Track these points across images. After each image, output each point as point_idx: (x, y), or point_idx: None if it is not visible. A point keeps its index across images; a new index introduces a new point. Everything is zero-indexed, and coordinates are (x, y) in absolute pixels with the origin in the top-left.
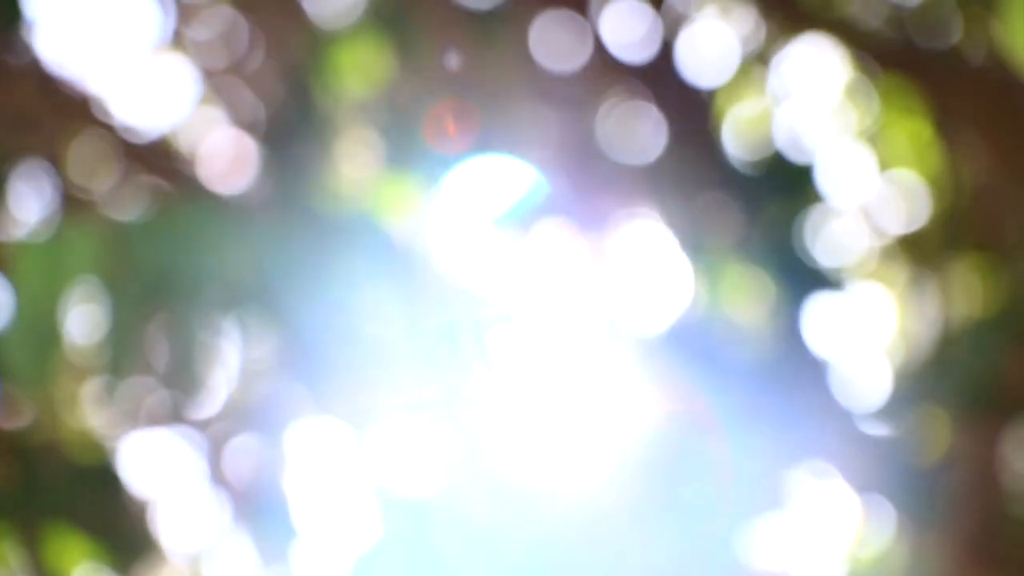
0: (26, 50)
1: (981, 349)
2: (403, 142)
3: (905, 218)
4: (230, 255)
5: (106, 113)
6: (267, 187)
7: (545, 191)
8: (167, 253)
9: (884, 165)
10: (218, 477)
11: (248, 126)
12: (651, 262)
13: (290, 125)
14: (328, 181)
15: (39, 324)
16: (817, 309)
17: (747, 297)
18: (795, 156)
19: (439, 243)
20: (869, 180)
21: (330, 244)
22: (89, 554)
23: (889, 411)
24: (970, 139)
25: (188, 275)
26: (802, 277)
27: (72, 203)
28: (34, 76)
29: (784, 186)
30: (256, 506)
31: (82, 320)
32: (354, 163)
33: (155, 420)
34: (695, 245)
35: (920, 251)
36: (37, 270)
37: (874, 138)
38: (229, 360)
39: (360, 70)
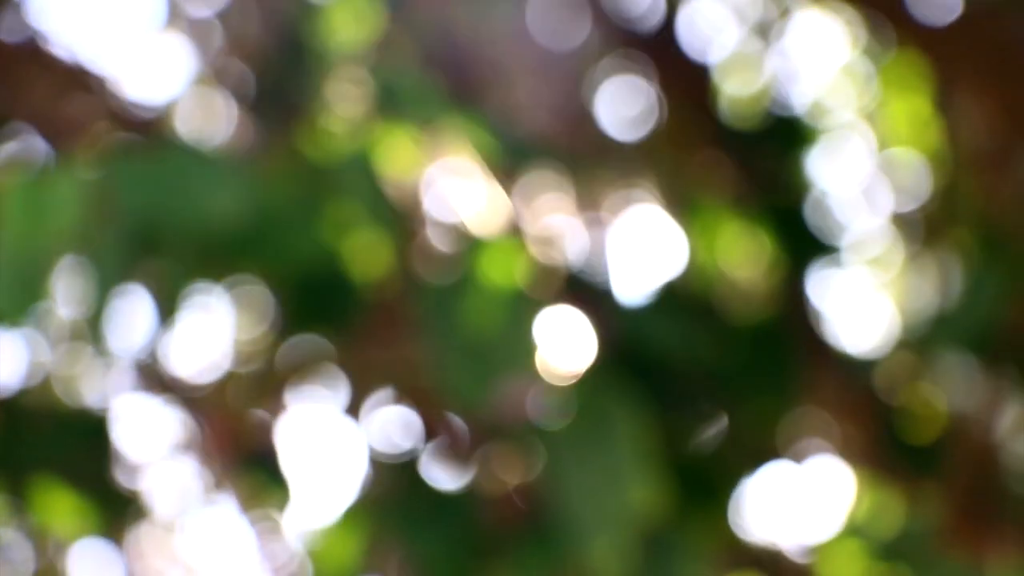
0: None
1: (983, 298)
2: (396, 88)
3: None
4: (218, 202)
5: (100, 82)
6: (257, 134)
7: (537, 142)
8: (153, 198)
9: (883, 143)
10: (208, 434)
11: (237, 79)
12: (646, 220)
13: (280, 71)
14: (319, 127)
15: (24, 266)
16: (816, 266)
17: (745, 254)
18: (794, 115)
19: (432, 190)
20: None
21: (321, 191)
22: (76, 510)
23: (889, 363)
24: (974, 102)
25: (175, 222)
26: (801, 235)
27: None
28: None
29: (782, 142)
30: (247, 463)
31: (68, 270)
32: (346, 109)
33: (144, 375)
34: (692, 203)
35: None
36: (21, 209)
37: (873, 115)
38: (219, 312)
39: (353, 19)
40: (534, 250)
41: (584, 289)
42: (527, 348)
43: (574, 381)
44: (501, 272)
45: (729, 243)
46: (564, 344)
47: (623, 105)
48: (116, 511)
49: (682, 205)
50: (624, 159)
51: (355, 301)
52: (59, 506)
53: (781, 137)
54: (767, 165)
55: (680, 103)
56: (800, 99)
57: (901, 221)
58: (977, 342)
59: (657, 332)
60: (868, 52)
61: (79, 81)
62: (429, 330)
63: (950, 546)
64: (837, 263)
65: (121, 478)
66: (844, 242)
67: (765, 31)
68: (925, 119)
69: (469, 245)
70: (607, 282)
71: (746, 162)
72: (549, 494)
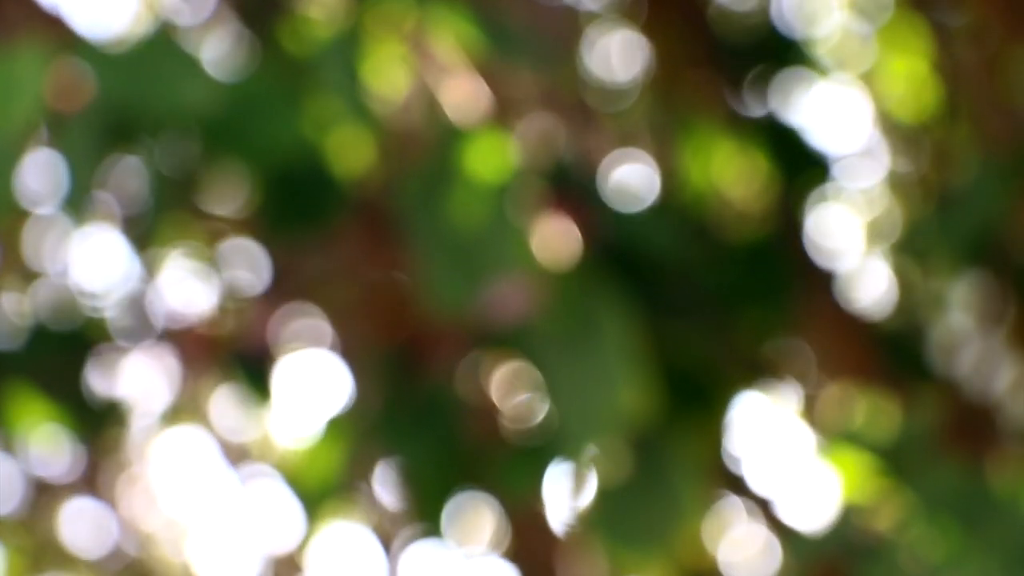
0: None
1: (985, 202)
2: None
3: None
4: (192, 90)
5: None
6: (236, 26)
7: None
8: (126, 86)
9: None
10: (189, 336)
11: None
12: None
13: None
14: (300, 19)
15: None
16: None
17: (739, 173)
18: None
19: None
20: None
21: (301, 83)
22: (51, 417)
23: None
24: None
25: (149, 110)
26: (795, 153)
27: None
28: None
29: (778, 60)
30: (228, 367)
31: (40, 158)
32: (327, 1)
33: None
34: (686, 123)
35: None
36: None
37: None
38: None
39: None
40: (520, 145)
41: (572, 187)
42: (514, 245)
43: (561, 280)
44: (486, 166)
45: (723, 162)
46: (551, 243)
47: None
48: (93, 421)
49: (675, 124)
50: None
51: (336, 197)
52: (33, 414)
53: (776, 54)
54: (761, 83)
55: (673, 19)
56: (796, 17)
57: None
58: (974, 250)
59: (648, 233)
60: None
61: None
62: (412, 227)
63: (946, 452)
64: (831, 181)
65: (98, 387)
66: (838, 161)
67: None
68: (922, 80)
69: (453, 137)
70: (596, 181)
71: (740, 80)
72: (536, 397)
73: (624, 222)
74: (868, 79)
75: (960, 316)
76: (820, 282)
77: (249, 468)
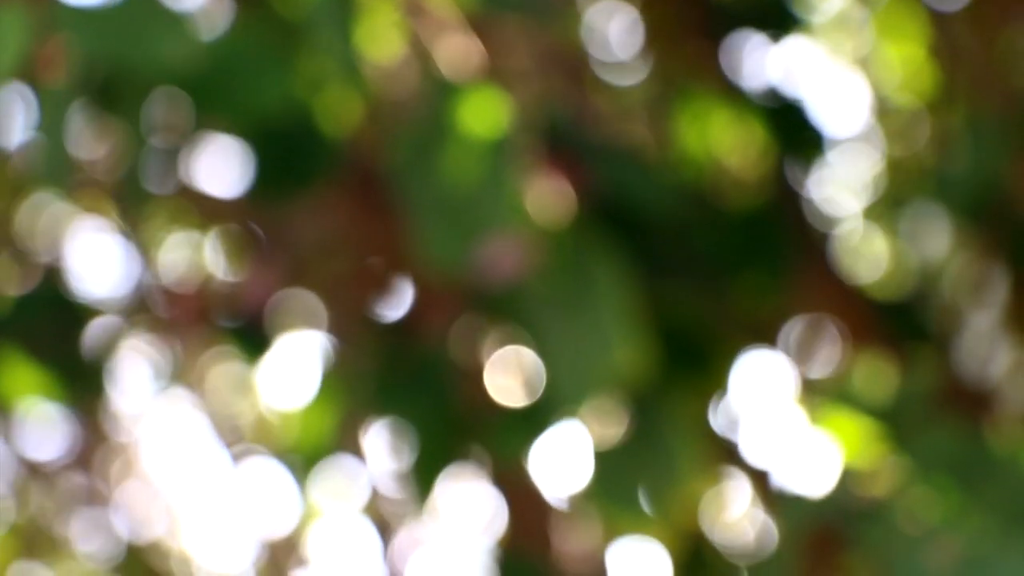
0: None
1: (983, 157)
2: None
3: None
4: (176, 47)
5: None
6: None
7: None
8: (108, 43)
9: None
10: (177, 299)
11: None
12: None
13: None
14: None
15: None
16: (808, 154)
17: (735, 143)
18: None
19: (406, 44)
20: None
21: (290, 41)
22: (42, 384)
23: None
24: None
25: (131, 67)
26: (792, 122)
27: None
28: None
29: (775, 28)
30: (219, 329)
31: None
32: None
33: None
34: (683, 90)
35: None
36: None
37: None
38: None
39: None
40: (514, 101)
41: (567, 145)
42: (508, 203)
43: (556, 238)
44: (480, 122)
45: (719, 131)
46: (546, 201)
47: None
48: (83, 385)
49: (672, 92)
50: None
51: (327, 157)
52: (21, 381)
53: (774, 22)
54: (758, 51)
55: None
56: None
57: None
58: (972, 205)
59: (644, 192)
60: None
61: None
62: (404, 185)
63: (943, 414)
64: (828, 149)
65: (88, 350)
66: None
67: None
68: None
69: (446, 93)
70: (591, 139)
71: (737, 48)
72: (529, 359)
73: (620, 180)
74: (865, 64)
75: (958, 281)
76: (817, 249)
77: (243, 446)
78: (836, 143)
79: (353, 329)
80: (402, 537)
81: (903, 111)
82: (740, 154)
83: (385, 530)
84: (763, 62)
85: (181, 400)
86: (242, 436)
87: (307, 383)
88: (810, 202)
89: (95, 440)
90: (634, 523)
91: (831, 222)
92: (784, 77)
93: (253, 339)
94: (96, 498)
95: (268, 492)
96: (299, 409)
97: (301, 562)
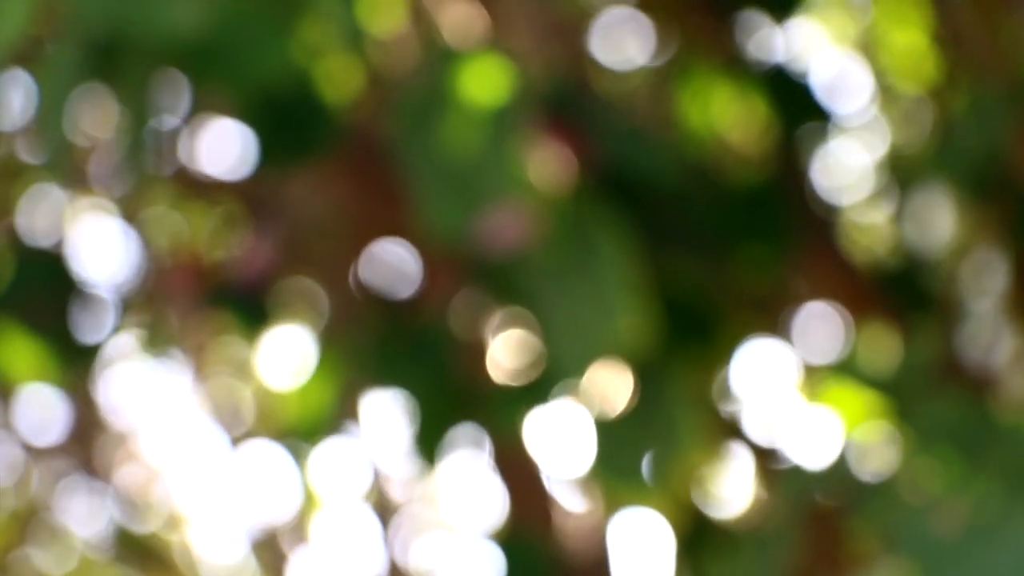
0: None
1: (986, 131)
2: None
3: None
4: (178, 11)
5: None
6: None
7: None
8: (108, 7)
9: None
10: (172, 269)
11: None
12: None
13: None
14: None
15: None
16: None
17: (738, 118)
18: None
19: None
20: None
21: (292, 7)
22: (36, 353)
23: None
24: None
25: (132, 33)
26: (794, 97)
27: None
28: None
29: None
30: (215, 300)
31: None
32: None
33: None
34: (686, 65)
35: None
36: None
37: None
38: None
39: None
40: (516, 68)
41: (570, 113)
42: (510, 171)
43: (558, 207)
44: (482, 89)
45: (722, 107)
46: (548, 169)
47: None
48: (78, 358)
49: (675, 67)
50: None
51: (327, 125)
52: (18, 351)
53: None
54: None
55: None
56: None
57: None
58: (974, 176)
59: (647, 161)
60: None
61: None
62: (405, 153)
63: (945, 384)
64: (832, 123)
65: (84, 323)
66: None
67: None
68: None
69: (448, 60)
70: (594, 108)
71: (741, 23)
72: (530, 331)
73: (622, 151)
74: (868, 49)
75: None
76: (819, 223)
77: (243, 428)
78: (839, 120)
79: (353, 303)
80: (402, 521)
81: (906, 95)
82: (743, 130)
83: (386, 515)
84: (767, 40)
85: (180, 382)
86: (242, 419)
87: (306, 358)
88: (813, 178)
89: (93, 424)
90: (636, 495)
91: (834, 197)
92: (788, 56)
93: (252, 311)
94: (94, 482)
95: (268, 476)
96: (298, 384)
97: (301, 547)
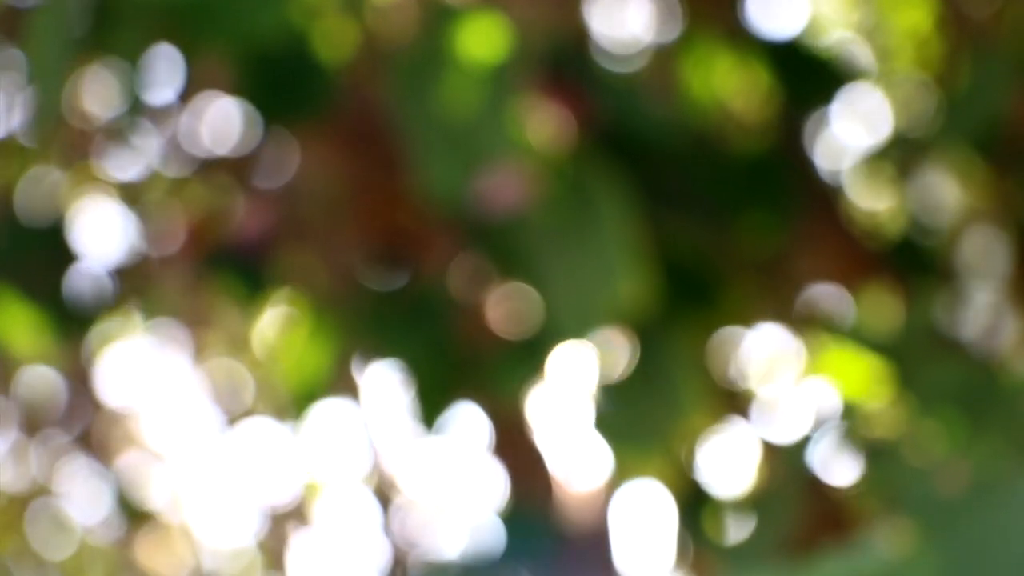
0: None
1: (988, 94)
2: None
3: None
4: None
5: None
6: None
7: None
8: None
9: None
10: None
11: None
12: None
13: None
14: None
15: None
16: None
17: (742, 88)
18: None
19: None
20: None
21: None
22: (33, 319)
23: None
24: None
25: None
26: (797, 67)
27: None
28: None
29: None
30: (214, 262)
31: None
32: None
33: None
34: (688, 35)
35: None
36: None
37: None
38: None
39: None
40: (514, 27)
41: (568, 72)
42: (508, 131)
43: (557, 167)
44: (479, 48)
45: (725, 77)
46: (547, 128)
47: None
48: (75, 326)
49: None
50: None
51: (323, 85)
52: (14, 318)
53: None
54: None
55: None
56: None
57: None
58: (980, 138)
59: (647, 122)
60: None
61: None
62: (402, 113)
63: (948, 347)
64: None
65: (83, 286)
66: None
67: None
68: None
69: (445, 18)
70: (594, 67)
71: None
72: (531, 287)
73: (622, 111)
74: (871, 35)
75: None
76: (821, 191)
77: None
78: (842, 90)
79: (351, 268)
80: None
81: (908, 65)
82: (746, 100)
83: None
84: (770, 11)
85: (178, 361)
86: (241, 398)
87: (303, 323)
88: (815, 148)
89: (91, 404)
90: (637, 456)
91: (836, 165)
92: (792, 27)
93: (249, 276)
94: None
95: (268, 457)
96: (294, 348)
97: (302, 529)
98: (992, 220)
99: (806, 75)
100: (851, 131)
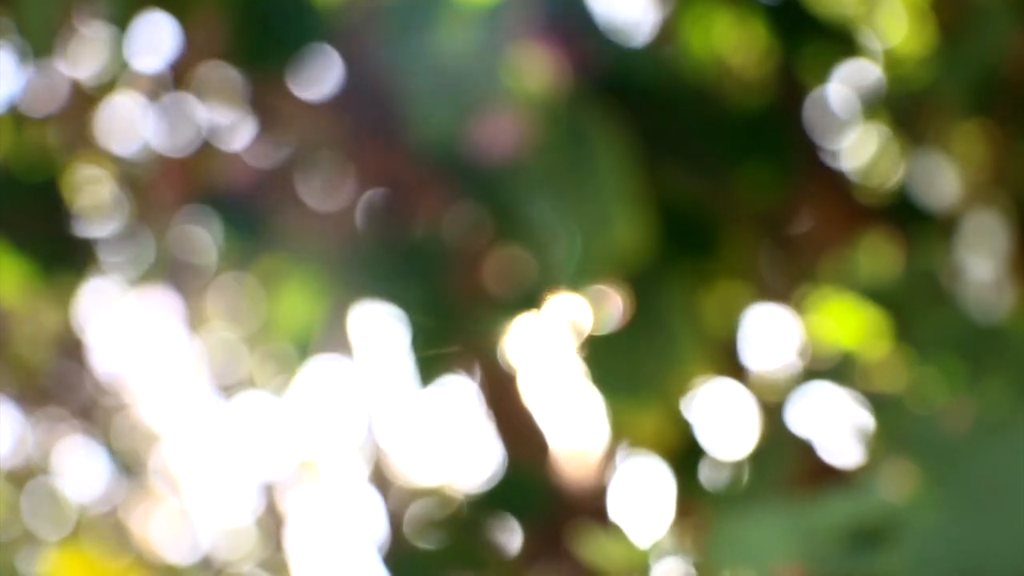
0: None
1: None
2: None
3: None
4: None
5: None
6: None
7: None
8: None
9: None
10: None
11: None
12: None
13: None
14: None
15: None
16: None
17: (739, 43)
18: None
19: None
20: None
21: None
22: (26, 271)
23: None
24: None
25: None
26: (796, 22)
27: None
28: None
29: None
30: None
31: None
32: None
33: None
34: None
35: None
36: None
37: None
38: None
39: None
40: None
41: (564, 15)
42: (502, 74)
43: (553, 112)
44: None
45: (723, 32)
46: (542, 72)
47: None
48: (69, 275)
49: None
50: None
51: (315, 27)
52: (7, 268)
53: None
54: None
55: None
56: None
57: None
58: (978, 88)
59: (645, 67)
60: None
61: None
62: (396, 57)
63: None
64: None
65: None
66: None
67: None
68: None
69: None
70: (590, 11)
71: None
72: (526, 233)
73: (620, 57)
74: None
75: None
76: (820, 147)
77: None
78: (840, 46)
79: (345, 216)
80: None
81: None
82: (744, 55)
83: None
84: None
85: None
86: (237, 371)
87: (296, 274)
88: (813, 101)
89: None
90: (633, 407)
91: (834, 120)
92: None
93: (241, 220)
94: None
95: (264, 431)
96: (288, 298)
97: (300, 507)
98: (991, 174)
99: (805, 34)
100: (850, 86)
